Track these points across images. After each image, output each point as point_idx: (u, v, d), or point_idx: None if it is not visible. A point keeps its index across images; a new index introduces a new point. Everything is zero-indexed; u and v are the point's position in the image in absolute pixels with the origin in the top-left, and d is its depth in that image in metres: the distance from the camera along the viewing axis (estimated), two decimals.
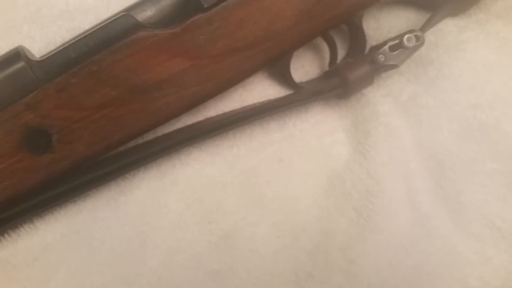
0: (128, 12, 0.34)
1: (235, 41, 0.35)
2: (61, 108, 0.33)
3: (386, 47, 0.39)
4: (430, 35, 0.43)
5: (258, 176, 0.41)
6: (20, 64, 0.32)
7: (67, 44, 0.33)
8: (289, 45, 0.38)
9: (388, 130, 0.42)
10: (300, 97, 0.40)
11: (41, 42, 0.40)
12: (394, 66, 0.40)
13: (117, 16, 0.34)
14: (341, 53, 0.43)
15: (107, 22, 0.34)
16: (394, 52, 0.39)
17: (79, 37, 0.33)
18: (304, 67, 0.44)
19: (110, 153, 0.37)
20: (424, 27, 0.40)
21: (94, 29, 0.34)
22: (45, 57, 0.33)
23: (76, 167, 0.35)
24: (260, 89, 0.43)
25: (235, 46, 0.35)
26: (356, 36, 0.41)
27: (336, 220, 0.40)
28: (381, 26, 0.44)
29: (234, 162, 0.41)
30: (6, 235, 0.38)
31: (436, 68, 0.43)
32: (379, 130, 0.42)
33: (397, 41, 0.39)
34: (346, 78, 0.39)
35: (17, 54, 0.33)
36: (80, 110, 0.33)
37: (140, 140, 0.39)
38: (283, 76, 0.41)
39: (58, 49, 0.34)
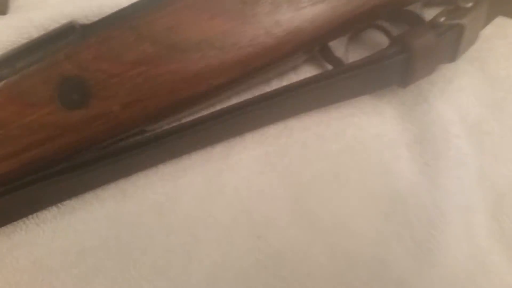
0: None
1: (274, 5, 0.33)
2: (100, 60, 0.32)
3: (444, 11, 0.36)
4: (500, 47, 0.40)
5: (312, 191, 0.38)
6: (69, 25, 0.33)
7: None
8: (335, 18, 0.35)
9: (459, 155, 0.38)
10: (348, 70, 0.36)
11: None
12: (459, 27, 0.36)
13: None
14: None
15: None
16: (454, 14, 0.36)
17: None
18: None
19: (146, 127, 0.36)
20: None
21: None
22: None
23: (110, 131, 0.34)
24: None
25: (274, 10, 0.34)
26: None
27: (393, 249, 0.37)
28: None
29: (286, 173, 0.38)
30: (41, 232, 0.36)
31: (504, 88, 0.40)
32: (449, 154, 0.38)
33: (452, 6, 0.36)
34: (409, 44, 0.35)
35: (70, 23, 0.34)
36: (119, 63, 0.32)
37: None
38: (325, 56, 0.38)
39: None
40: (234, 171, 0.38)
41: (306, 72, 0.40)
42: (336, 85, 0.37)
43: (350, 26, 0.36)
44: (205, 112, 0.36)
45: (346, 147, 0.39)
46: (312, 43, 0.35)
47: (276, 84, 0.40)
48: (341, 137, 0.39)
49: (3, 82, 0.32)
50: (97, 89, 0.32)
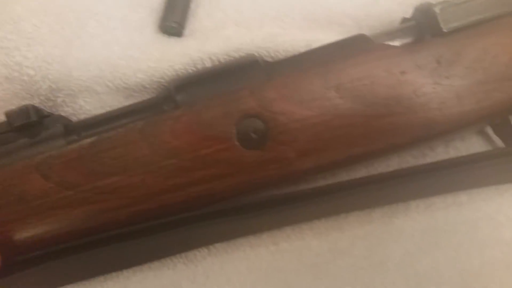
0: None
1: (473, 72, 0.32)
2: (285, 102, 0.31)
3: None
4: None
5: (481, 279, 0.35)
6: (253, 59, 0.33)
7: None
8: None
9: None
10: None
11: None
12: None
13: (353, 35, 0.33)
14: None
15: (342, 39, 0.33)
16: None
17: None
18: None
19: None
20: None
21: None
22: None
23: (281, 178, 0.32)
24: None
25: (474, 77, 0.31)
26: None
27: None
28: None
29: (453, 255, 0.35)
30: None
31: None
32: None
33: None
34: None
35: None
36: (303, 108, 0.31)
37: None
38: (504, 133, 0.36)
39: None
40: (398, 242, 0.35)
41: (473, 142, 0.38)
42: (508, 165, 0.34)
43: None
44: None
45: None
46: (499, 115, 0.33)
47: (441, 151, 0.37)
48: None
49: (183, 108, 0.30)
50: (277, 132, 0.31)
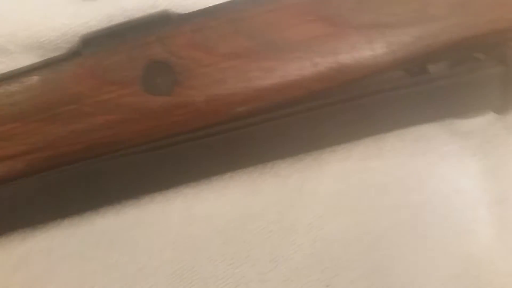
0: None
1: (380, 16, 0.32)
2: (192, 48, 0.30)
3: None
4: None
5: (387, 243, 0.34)
6: (164, 13, 0.33)
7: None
8: (438, 40, 0.33)
9: None
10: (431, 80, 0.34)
11: None
12: None
13: None
14: None
15: None
16: None
17: None
18: None
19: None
20: None
21: None
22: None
23: (189, 123, 0.31)
24: None
25: (379, 21, 0.32)
26: None
27: None
28: None
29: (362, 219, 0.35)
30: None
31: None
32: None
33: None
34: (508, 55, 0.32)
35: None
36: (211, 54, 0.31)
37: None
38: None
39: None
40: (308, 207, 0.35)
41: None
42: (416, 99, 0.34)
43: (455, 49, 0.34)
44: None
45: (427, 200, 0.36)
46: (413, 62, 0.33)
47: None
48: (424, 188, 0.36)
49: (87, 54, 0.30)
50: (184, 77, 0.30)
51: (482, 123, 0.39)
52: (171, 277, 0.32)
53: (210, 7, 0.33)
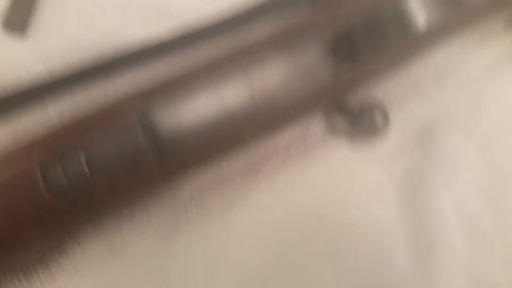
0: None
1: None
2: None
3: None
4: None
5: (306, 269, 0.36)
6: None
7: None
8: None
9: (451, 250, 0.38)
10: None
11: None
12: None
13: None
14: None
15: None
16: None
17: None
18: None
19: None
20: None
21: None
22: None
23: None
24: None
25: None
26: None
27: None
28: None
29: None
30: None
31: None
32: (442, 248, 0.37)
33: None
34: None
35: None
36: None
37: None
38: None
39: None
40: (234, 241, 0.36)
41: None
42: None
43: None
44: None
45: (345, 228, 0.37)
46: None
47: None
48: (342, 216, 0.38)
49: None
50: None
51: (402, 152, 0.40)
52: None
53: None
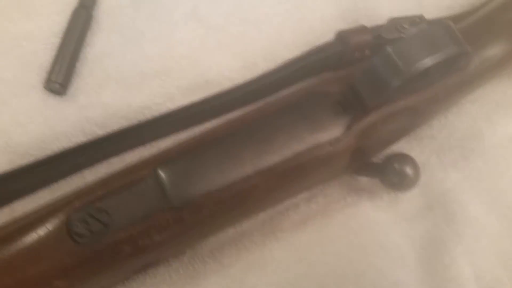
0: None
1: None
2: None
3: None
4: None
5: None
6: None
7: None
8: None
9: None
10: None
11: None
12: None
13: None
14: None
15: None
16: None
17: None
18: None
19: None
20: None
21: None
22: None
23: None
24: None
25: None
26: None
27: None
28: None
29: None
30: None
31: None
32: None
33: None
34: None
35: None
36: None
37: None
38: None
39: None
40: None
41: None
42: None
43: None
44: None
45: None
46: None
47: None
48: (361, 279, 0.38)
49: None
50: None
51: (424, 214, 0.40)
52: None
53: None
